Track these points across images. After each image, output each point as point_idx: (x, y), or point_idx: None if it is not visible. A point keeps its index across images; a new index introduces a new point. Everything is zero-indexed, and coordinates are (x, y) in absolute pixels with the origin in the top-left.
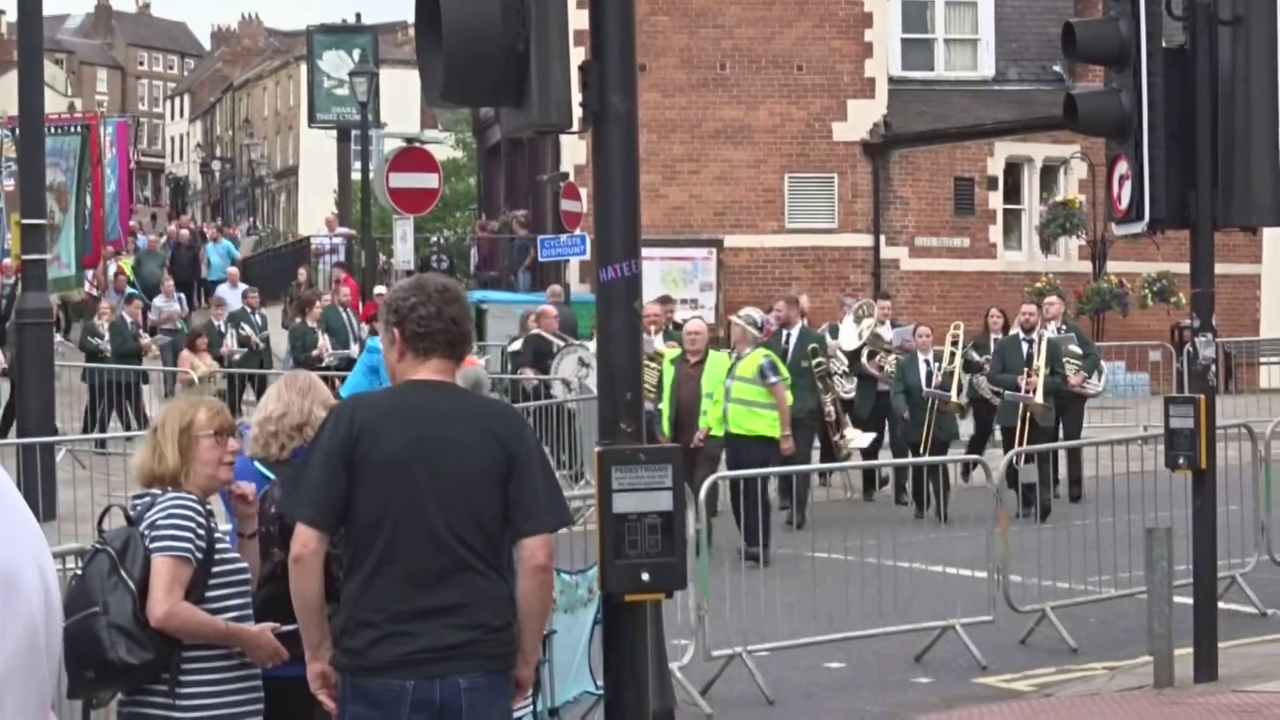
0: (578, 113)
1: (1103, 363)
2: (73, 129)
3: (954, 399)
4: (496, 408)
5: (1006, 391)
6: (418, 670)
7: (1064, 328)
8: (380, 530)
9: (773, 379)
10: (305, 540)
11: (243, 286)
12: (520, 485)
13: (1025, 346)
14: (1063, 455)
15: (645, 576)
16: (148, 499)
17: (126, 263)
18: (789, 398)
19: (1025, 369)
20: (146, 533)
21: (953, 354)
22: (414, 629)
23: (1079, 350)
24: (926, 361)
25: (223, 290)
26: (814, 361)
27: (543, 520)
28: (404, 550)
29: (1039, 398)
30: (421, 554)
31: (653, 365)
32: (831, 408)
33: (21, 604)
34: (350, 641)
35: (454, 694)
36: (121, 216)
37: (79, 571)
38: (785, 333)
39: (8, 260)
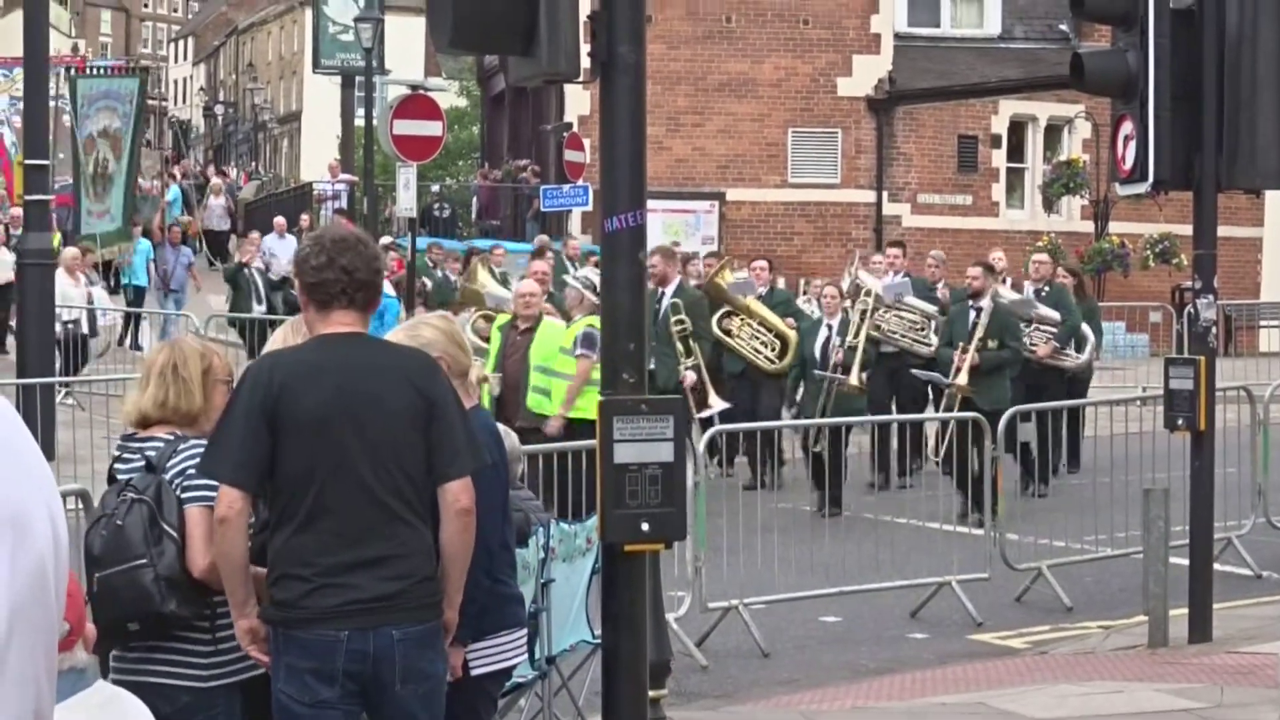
0: (585, 63)
1: (1102, 324)
2: (130, 71)
3: (853, 381)
4: (411, 355)
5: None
6: (350, 621)
7: (1045, 289)
8: (308, 486)
9: (581, 351)
10: (230, 501)
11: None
12: (439, 431)
13: (972, 316)
14: (1064, 420)
15: (645, 527)
16: (161, 444)
17: None
18: (593, 374)
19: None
20: (177, 481)
21: (859, 324)
22: (345, 580)
23: (1053, 315)
24: (829, 327)
25: (270, 240)
26: (674, 320)
27: (464, 463)
28: (333, 504)
29: (962, 379)
30: (351, 506)
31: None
32: (692, 374)
33: (31, 544)
34: (281, 594)
35: (388, 644)
36: None
37: (81, 512)
38: (660, 291)
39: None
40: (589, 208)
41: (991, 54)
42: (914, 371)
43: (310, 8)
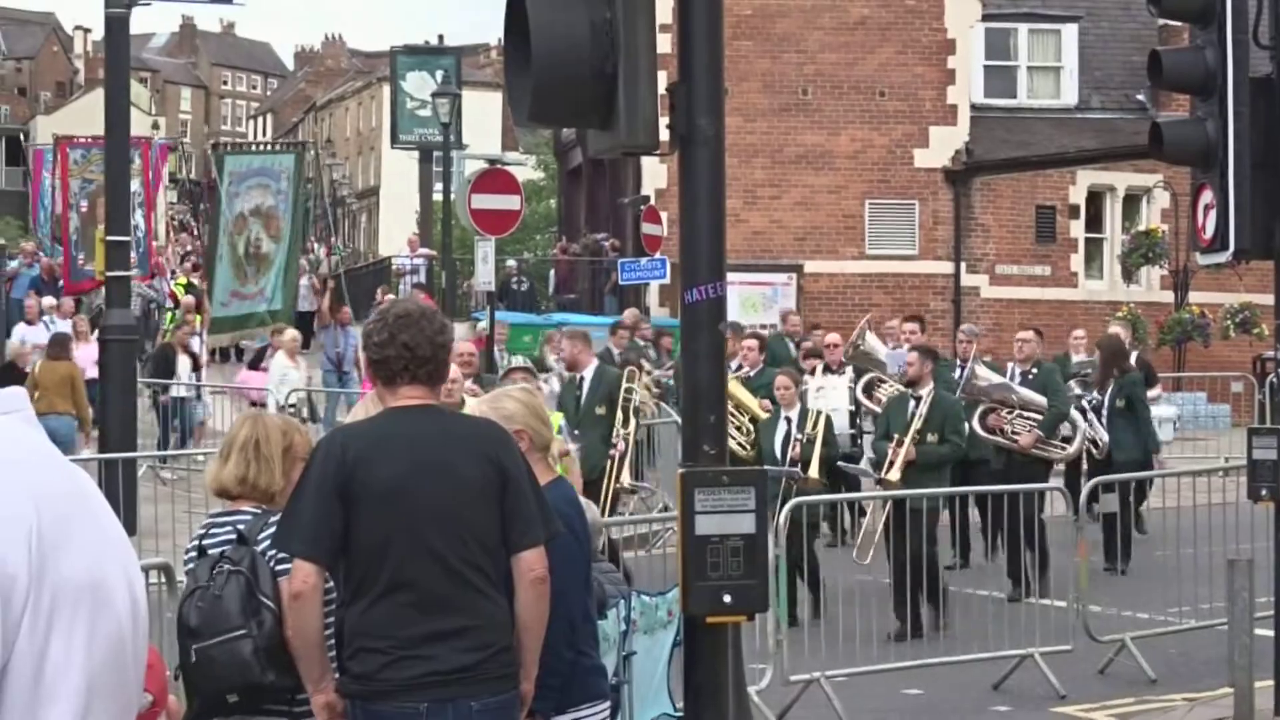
0: (664, 135)
1: (1155, 405)
2: (288, 147)
3: (811, 476)
4: (483, 426)
5: (844, 465)
6: (429, 693)
7: (1032, 371)
8: (383, 558)
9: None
10: (304, 575)
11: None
12: (512, 500)
13: (911, 405)
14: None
15: (727, 598)
16: (250, 516)
17: (180, 283)
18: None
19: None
20: (270, 552)
21: (817, 417)
22: (424, 652)
23: (1037, 400)
24: (788, 421)
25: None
26: (624, 388)
27: (537, 532)
28: (409, 576)
29: (895, 474)
30: (427, 578)
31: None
32: (622, 444)
33: (111, 613)
34: (358, 667)
35: (466, 716)
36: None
37: (164, 587)
38: (578, 377)
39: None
40: (666, 280)
41: (1069, 124)
42: (840, 464)
43: (388, 84)
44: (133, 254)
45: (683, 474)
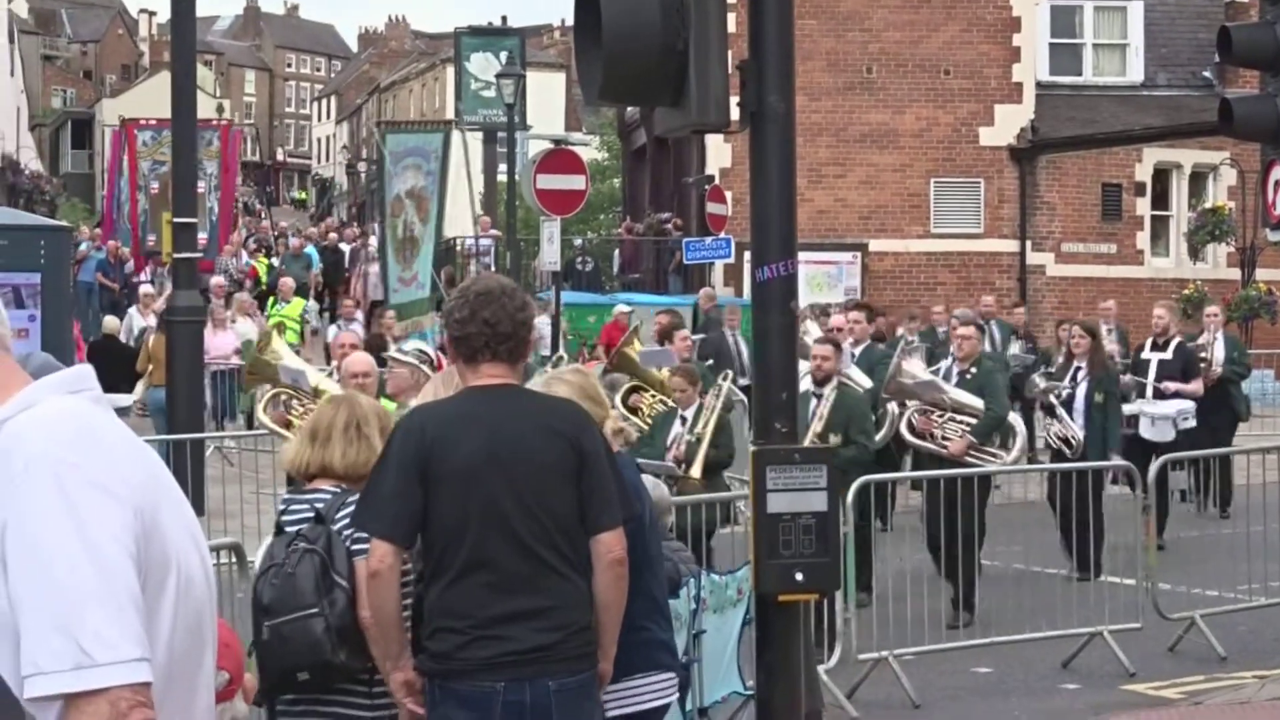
0: (734, 113)
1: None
2: (437, 125)
3: (692, 475)
4: (562, 406)
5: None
6: (506, 672)
7: (970, 370)
8: (462, 538)
9: None
10: (382, 555)
11: None
12: (591, 482)
13: (813, 404)
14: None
15: (799, 576)
16: (328, 495)
17: (262, 263)
18: None
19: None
20: (346, 532)
21: (710, 415)
22: (502, 632)
23: (973, 403)
24: (683, 419)
25: None
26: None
27: (615, 514)
28: (487, 556)
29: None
30: (505, 558)
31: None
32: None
33: (191, 593)
34: (436, 646)
35: (543, 696)
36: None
37: (234, 566)
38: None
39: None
40: (731, 260)
41: (1134, 101)
42: (639, 460)
43: (452, 65)
44: (202, 235)
45: (755, 452)
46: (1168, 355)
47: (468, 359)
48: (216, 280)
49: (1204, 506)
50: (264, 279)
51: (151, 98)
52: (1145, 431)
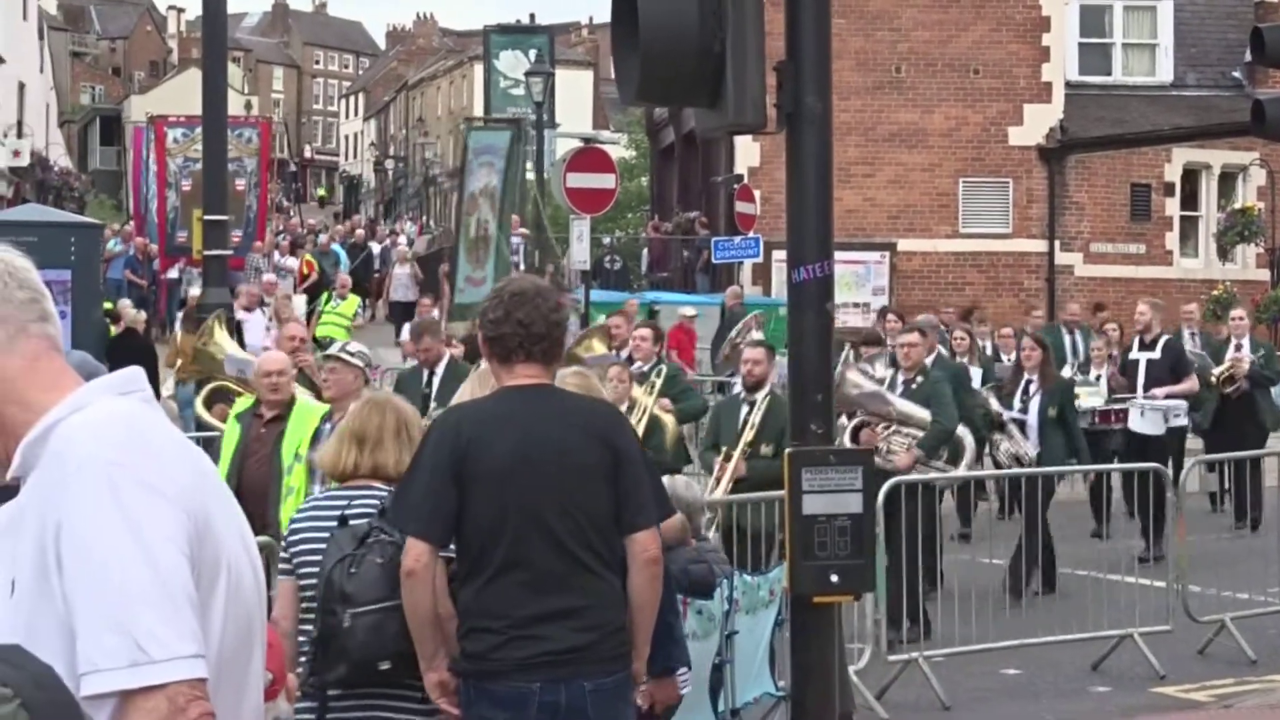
0: (771, 114)
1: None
2: (507, 124)
3: None
4: (597, 406)
5: None
6: (542, 672)
7: (916, 380)
8: (498, 538)
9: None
10: (417, 554)
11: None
12: (627, 481)
13: (744, 411)
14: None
15: (834, 578)
16: (384, 492)
17: (307, 256)
18: None
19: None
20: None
21: (645, 412)
22: (537, 632)
23: (919, 414)
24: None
25: None
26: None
27: (651, 513)
28: (523, 555)
29: (719, 493)
30: (541, 558)
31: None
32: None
33: (242, 595)
34: (471, 646)
35: (579, 696)
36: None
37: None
38: (430, 371)
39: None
40: (760, 259)
41: (1164, 102)
42: None
43: (480, 63)
44: (238, 233)
45: (790, 453)
46: (1156, 354)
47: (502, 359)
48: (269, 278)
49: (1239, 517)
50: (321, 271)
51: (180, 94)
52: (1135, 423)
